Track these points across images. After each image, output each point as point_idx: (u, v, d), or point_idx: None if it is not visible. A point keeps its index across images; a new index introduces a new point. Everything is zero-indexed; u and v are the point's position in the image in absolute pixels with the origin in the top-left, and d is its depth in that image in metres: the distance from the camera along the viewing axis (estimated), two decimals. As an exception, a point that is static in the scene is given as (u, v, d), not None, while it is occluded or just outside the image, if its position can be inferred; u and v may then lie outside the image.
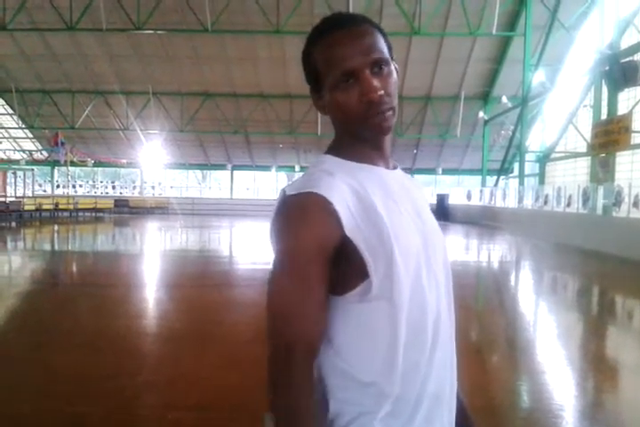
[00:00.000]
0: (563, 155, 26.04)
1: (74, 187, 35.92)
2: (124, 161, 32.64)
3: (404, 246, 1.03)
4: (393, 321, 1.03)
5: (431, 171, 33.82)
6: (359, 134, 1.10)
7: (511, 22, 24.55)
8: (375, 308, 1.04)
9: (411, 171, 32.76)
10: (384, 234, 1.02)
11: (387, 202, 1.06)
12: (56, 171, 36.93)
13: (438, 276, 1.11)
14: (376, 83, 1.05)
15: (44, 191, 35.50)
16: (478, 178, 30.55)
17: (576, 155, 24.08)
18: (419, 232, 1.09)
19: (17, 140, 36.04)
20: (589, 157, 20.95)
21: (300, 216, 1.00)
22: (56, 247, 15.51)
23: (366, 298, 1.03)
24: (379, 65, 1.06)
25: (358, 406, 1.04)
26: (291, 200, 1.01)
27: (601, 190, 15.87)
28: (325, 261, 1.01)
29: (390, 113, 1.08)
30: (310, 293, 1.01)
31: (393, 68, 1.10)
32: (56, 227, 22.25)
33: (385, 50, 1.09)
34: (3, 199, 24.51)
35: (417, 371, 1.06)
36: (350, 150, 1.12)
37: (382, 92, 1.05)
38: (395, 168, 1.20)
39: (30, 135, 35.12)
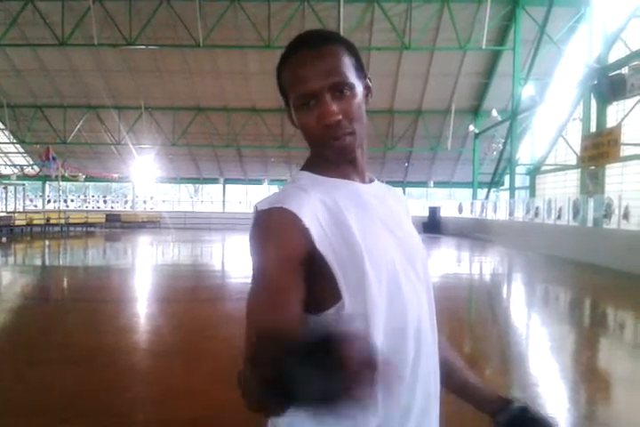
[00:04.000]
0: (553, 167, 26.18)
1: (65, 201, 35.78)
2: (116, 175, 32.57)
3: (378, 262, 1.04)
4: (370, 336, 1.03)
5: (423, 184, 33.95)
6: (323, 155, 1.11)
7: (501, 37, 24.79)
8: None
9: (402, 184, 32.86)
10: (356, 251, 1.02)
11: (361, 218, 1.07)
12: (47, 186, 36.79)
13: (418, 288, 1.12)
14: (334, 107, 1.04)
15: (35, 206, 35.36)
16: (469, 191, 30.66)
17: (566, 167, 24.22)
18: (396, 246, 1.10)
19: (8, 154, 35.91)
20: (579, 170, 21.07)
21: (269, 231, 1.01)
22: (47, 262, 15.42)
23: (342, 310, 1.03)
24: (340, 88, 1.05)
25: (351, 419, 1.05)
26: (261, 216, 1.02)
27: (591, 202, 15.95)
28: (297, 273, 1.01)
29: (350, 138, 1.07)
30: (284, 307, 1.00)
31: (358, 90, 1.09)
32: (47, 242, 22.13)
33: (349, 72, 1.07)
34: (-7, 214, 24.41)
35: (401, 385, 1.06)
36: (324, 166, 1.13)
37: (340, 116, 1.05)
38: (371, 181, 1.20)
39: (21, 150, 35.00)
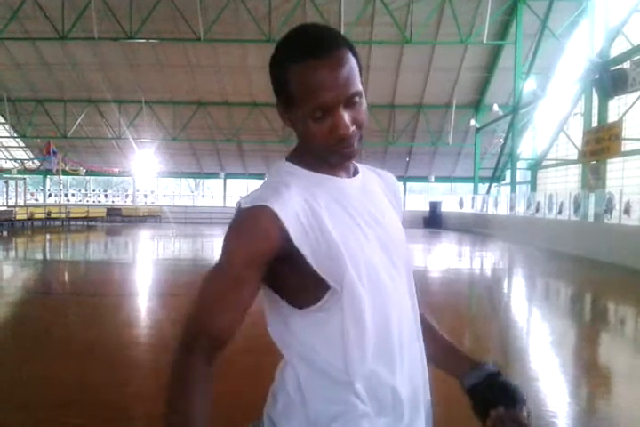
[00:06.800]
0: (554, 162, 26.16)
1: (66, 196, 35.76)
2: (117, 170, 32.57)
3: (356, 261, 1.06)
4: (355, 325, 1.06)
5: (424, 179, 33.91)
6: (325, 160, 1.11)
7: (502, 31, 24.72)
8: (333, 315, 1.06)
9: (403, 179, 32.77)
10: (334, 249, 1.04)
11: (341, 215, 1.09)
12: (48, 180, 36.82)
13: (398, 284, 1.13)
14: (347, 119, 1.04)
15: (36, 200, 35.36)
16: (470, 185, 30.66)
17: (567, 162, 24.19)
18: (375, 242, 1.11)
19: (9, 149, 35.91)
20: (580, 165, 21.06)
21: (245, 228, 1.04)
22: (48, 256, 15.44)
23: (325, 308, 1.06)
24: (353, 99, 1.04)
25: (341, 404, 1.07)
26: (243, 213, 1.04)
27: (592, 197, 15.95)
28: (258, 270, 1.05)
29: (357, 144, 1.08)
30: (233, 293, 1.06)
31: (363, 94, 1.07)
32: (48, 236, 22.15)
33: (359, 79, 1.06)
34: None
35: (390, 369, 1.09)
36: (311, 161, 1.13)
37: (353, 127, 1.05)
38: (355, 172, 1.20)
39: (22, 144, 34.98)
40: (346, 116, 1.04)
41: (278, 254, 1.04)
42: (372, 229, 1.12)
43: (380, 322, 1.08)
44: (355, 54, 1.08)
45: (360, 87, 1.07)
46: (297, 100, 1.06)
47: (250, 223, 1.03)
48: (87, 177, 35.92)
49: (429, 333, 1.27)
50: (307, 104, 1.04)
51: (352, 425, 1.05)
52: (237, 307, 1.07)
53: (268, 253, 1.04)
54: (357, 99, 1.05)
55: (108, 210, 31.93)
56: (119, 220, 31.91)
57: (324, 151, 1.08)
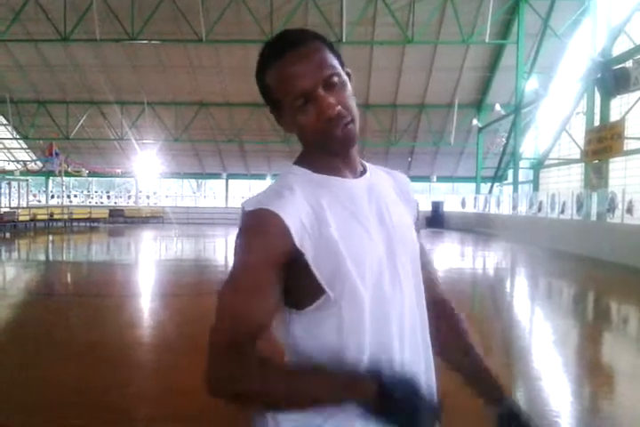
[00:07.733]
0: (556, 161, 26.14)
1: (68, 197, 35.79)
2: (119, 171, 32.59)
3: (359, 261, 1.06)
4: (354, 326, 1.06)
5: (426, 178, 33.87)
6: (327, 150, 1.11)
7: (504, 30, 24.70)
8: (331, 316, 1.07)
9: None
10: (333, 248, 1.04)
11: (343, 216, 1.08)
12: (50, 181, 36.85)
13: (403, 285, 1.13)
14: (331, 99, 1.05)
15: (39, 202, 35.39)
16: (473, 185, 30.61)
17: (570, 161, 24.17)
18: (382, 240, 1.11)
19: (11, 150, 35.98)
20: (583, 164, 21.01)
21: (252, 232, 1.05)
22: (50, 258, 15.45)
23: (323, 307, 1.07)
24: (331, 81, 1.06)
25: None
26: (247, 216, 1.05)
27: (595, 197, 15.92)
28: (273, 271, 1.04)
29: (351, 125, 1.08)
30: (255, 297, 1.04)
31: (345, 78, 1.10)
32: (50, 237, 22.15)
33: (335, 63, 1.09)
34: (-3, 210, 24.43)
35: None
36: (317, 162, 1.13)
37: (339, 107, 1.06)
38: (363, 172, 1.19)
39: (25, 146, 35.06)
40: (330, 98, 1.06)
41: (288, 254, 1.04)
42: (377, 228, 1.12)
43: (379, 323, 1.08)
44: (329, 46, 1.11)
45: (339, 69, 1.09)
46: (281, 99, 1.09)
47: (257, 227, 1.04)
48: (89, 178, 35.94)
49: (463, 350, 1.37)
50: (289, 98, 1.07)
51: (346, 425, 1.05)
52: (267, 307, 1.06)
53: (282, 253, 1.03)
54: (336, 79, 1.07)
55: (111, 211, 31.92)
56: (122, 221, 31.88)
57: (320, 140, 1.09)
